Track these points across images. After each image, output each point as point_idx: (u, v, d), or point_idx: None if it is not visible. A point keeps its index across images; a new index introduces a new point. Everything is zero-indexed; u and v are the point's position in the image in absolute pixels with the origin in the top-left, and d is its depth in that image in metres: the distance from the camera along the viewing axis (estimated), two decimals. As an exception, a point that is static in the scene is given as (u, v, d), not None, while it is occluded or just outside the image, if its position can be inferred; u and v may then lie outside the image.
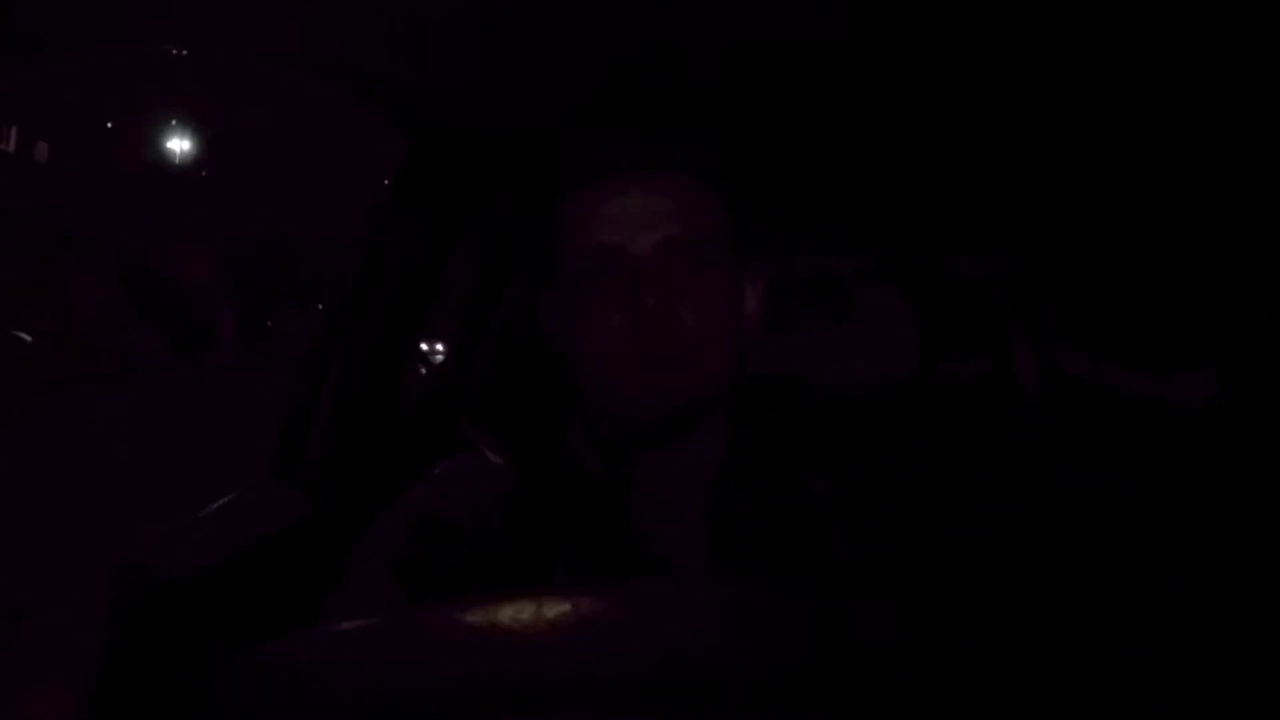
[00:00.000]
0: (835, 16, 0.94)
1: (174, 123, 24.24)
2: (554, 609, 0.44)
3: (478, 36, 0.99)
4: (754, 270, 0.81)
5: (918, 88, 1.14)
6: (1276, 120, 1.23)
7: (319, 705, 0.41)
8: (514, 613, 0.45)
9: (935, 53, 1.04)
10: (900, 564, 0.78)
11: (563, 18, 0.94)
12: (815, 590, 0.53)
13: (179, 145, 24.48)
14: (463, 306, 1.86)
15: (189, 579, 0.99)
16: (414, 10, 0.92)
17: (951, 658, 0.45)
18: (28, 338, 16.29)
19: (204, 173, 23.87)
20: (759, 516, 0.77)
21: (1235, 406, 1.94)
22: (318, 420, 1.29)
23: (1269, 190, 1.52)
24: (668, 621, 0.45)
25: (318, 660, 0.44)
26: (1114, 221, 1.84)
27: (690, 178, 0.75)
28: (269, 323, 23.92)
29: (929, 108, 1.23)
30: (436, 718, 0.41)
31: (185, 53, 1.03)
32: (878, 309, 2.20)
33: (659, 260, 0.72)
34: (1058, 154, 1.45)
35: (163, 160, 24.11)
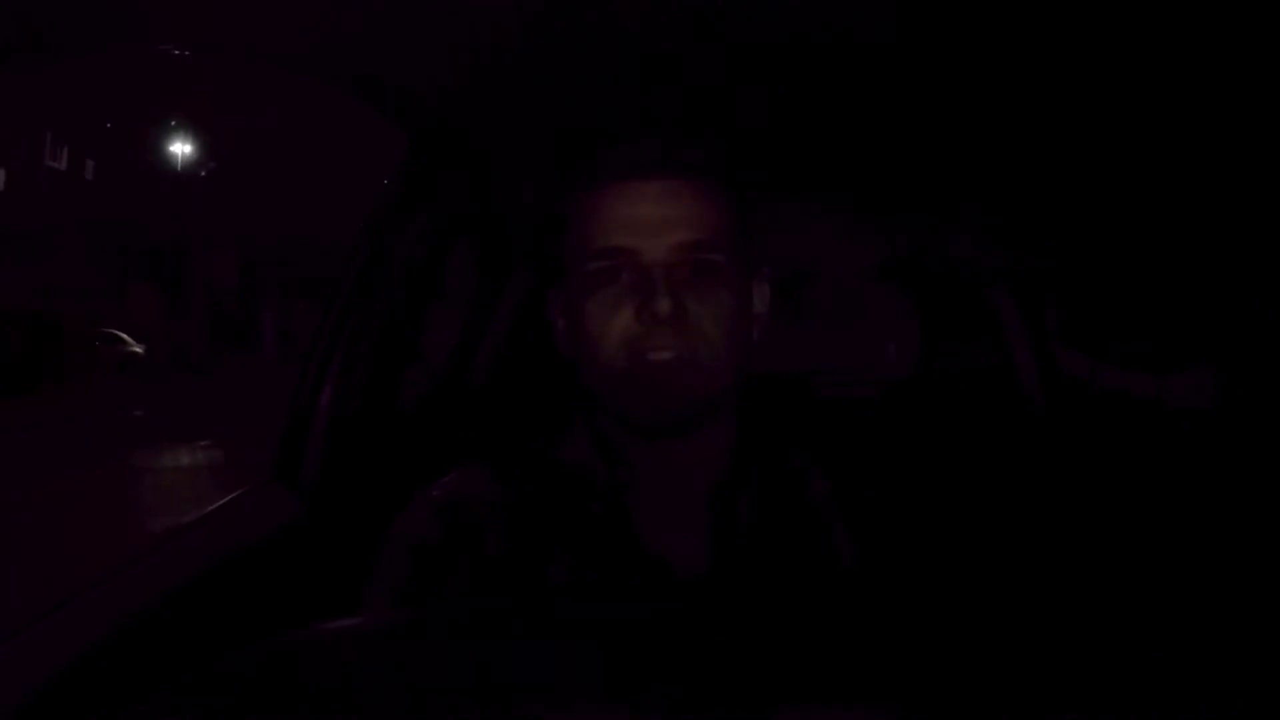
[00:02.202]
0: (836, 14, 0.94)
1: (184, 129, 25.33)
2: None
3: (478, 36, 0.99)
4: (761, 271, 0.82)
5: (919, 85, 1.15)
6: (1275, 120, 1.23)
7: (315, 705, 0.41)
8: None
9: (937, 51, 1.04)
10: (901, 563, 0.78)
11: (564, 18, 0.94)
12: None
13: (192, 150, 25.59)
14: (463, 306, 1.86)
15: (185, 581, 0.99)
16: (415, 10, 0.93)
17: (953, 655, 0.45)
18: (139, 348, 20.16)
19: (203, 173, 24.42)
20: (761, 516, 0.77)
21: (1235, 406, 1.94)
22: (318, 421, 1.28)
23: (1268, 190, 1.52)
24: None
25: (313, 660, 0.44)
26: (1114, 222, 1.84)
27: (701, 181, 0.76)
28: (267, 322, 24.52)
29: (932, 107, 1.23)
30: (433, 716, 0.41)
31: (186, 53, 1.04)
32: (878, 308, 2.20)
33: (672, 264, 0.73)
34: (1057, 155, 1.45)
35: (183, 166, 25.37)
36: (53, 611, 0.85)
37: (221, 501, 1.19)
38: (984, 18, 0.95)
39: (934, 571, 0.79)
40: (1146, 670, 0.46)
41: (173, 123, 25.44)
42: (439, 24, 0.96)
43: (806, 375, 2.06)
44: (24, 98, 23.18)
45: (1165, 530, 1.61)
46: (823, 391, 2.05)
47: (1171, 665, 0.45)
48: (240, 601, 1.05)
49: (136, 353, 20.34)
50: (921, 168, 1.54)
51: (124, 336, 20.63)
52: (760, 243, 0.82)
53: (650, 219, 0.73)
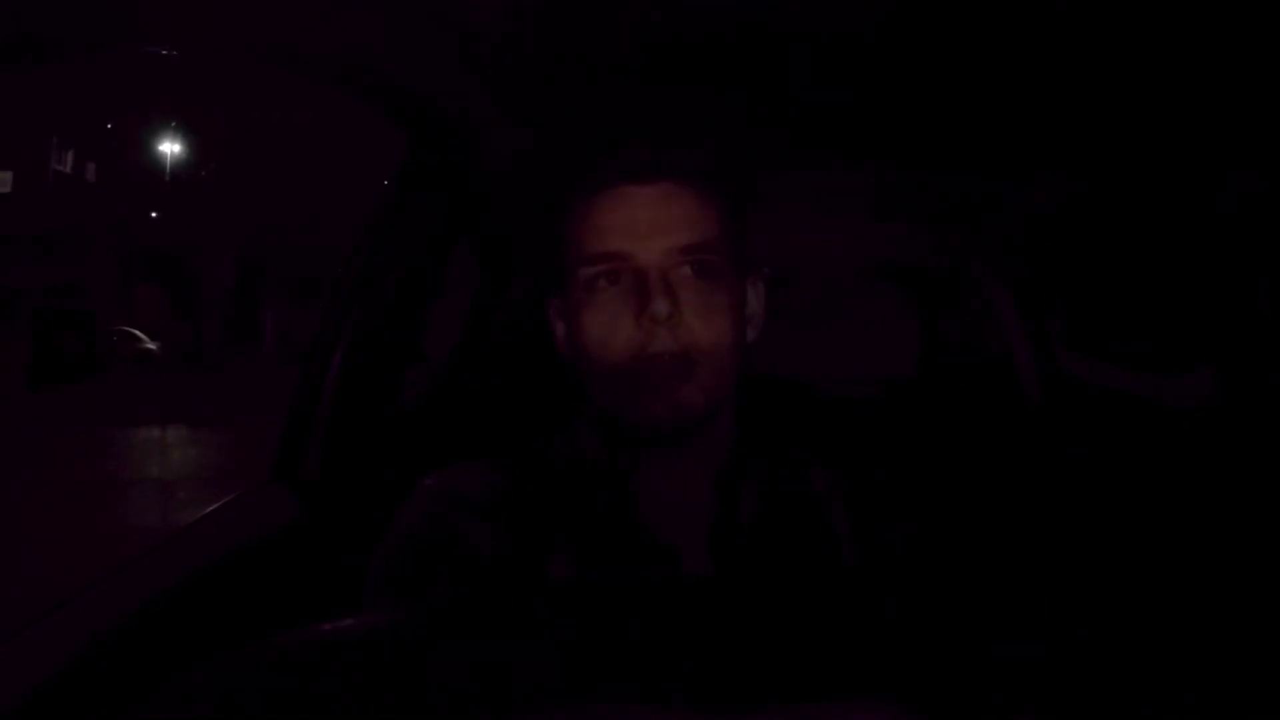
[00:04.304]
0: (830, 13, 0.94)
1: (184, 131, 25.77)
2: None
3: (479, 37, 0.99)
4: (758, 272, 0.83)
5: (919, 83, 1.15)
6: (1275, 120, 1.23)
7: (315, 705, 0.41)
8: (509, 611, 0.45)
9: (937, 49, 1.04)
10: (901, 560, 0.78)
11: (563, 19, 0.94)
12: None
13: (192, 152, 26.07)
14: (463, 306, 1.86)
15: (185, 581, 0.99)
16: (415, 10, 0.93)
17: (953, 650, 0.45)
18: (153, 345, 21.71)
19: (203, 172, 24.66)
20: (764, 507, 0.78)
21: (1234, 406, 1.94)
22: (317, 421, 1.28)
23: (1268, 189, 1.52)
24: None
25: (313, 660, 0.44)
26: (1114, 222, 1.84)
27: (695, 184, 0.76)
28: (268, 321, 24.86)
29: (931, 106, 1.23)
30: (433, 716, 0.41)
31: (186, 54, 1.04)
32: (877, 308, 2.20)
33: (667, 267, 0.73)
34: (1058, 154, 1.45)
35: (184, 168, 25.89)
36: (53, 611, 0.85)
37: (221, 501, 1.19)
38: (981, 13, 0.95)
39: (933, 566, 0.79)
40: (1143, 667, 0.46)
41: (173, 124, 25.74)
42: (439, 24, 0.96)
43: (807, 375, 2.06)
44: (29, 100, 23.52)
45: (1164, 529, 1.61)
46: (823, 391, 2.05)
47: (1168, 662, 0.46)
48: (240, 601, 1.05)
49: (151, 349, 21.86)
50: (921, 167, 1.54)
51: (139, 334, 22.15)
52: (757, 243, 0.83)
53: (645, 222, 0.74)
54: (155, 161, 26.55)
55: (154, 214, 25.94)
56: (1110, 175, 1.56)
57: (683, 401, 0.73)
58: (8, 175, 26.44)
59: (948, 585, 0.76)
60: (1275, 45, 0.98)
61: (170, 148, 26.37)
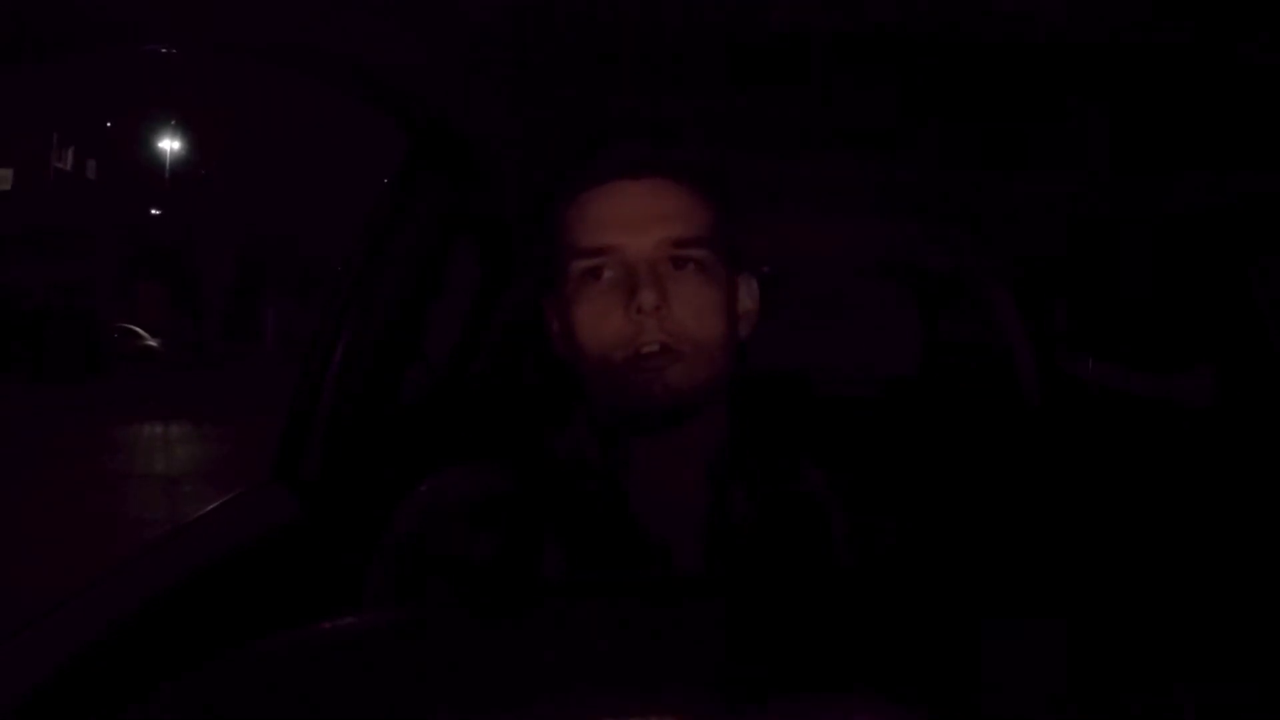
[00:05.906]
0: (829, 11, 0.94)
1: (184, 129, 25.92)
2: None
3: (478, 36, 0.99)
4: (748, 270, 0.83)
5: (918, 82, 1.15)
6: (1274, 119, 1.23)
7: (314, 705, 0.42)
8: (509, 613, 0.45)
9: (936, 47, 1.04)
10: (899, 558, 0.78)
11: (562, 19, 0.94)
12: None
13: (193, 150, 26.26)
14: (463, 306, 1.86)
15: (184, 580, 0.99)
16: (416, 11, 0.93)
17: (951, 648, 0.45)
18: (154, 342, 22.18)
19: (203, 171, 24.77)
20: (756, 501, 0.78)
21: (1234, 405, 1.94)
22: (317, 421, 1.29)
23: (1268, 189, 1.52)
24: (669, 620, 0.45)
25: (312, 660, 0.44)
26: (1114, 222, 1.84)
27: (686, 182, 0.77)
28: (270, 319, 25.05)
29: (931, 105, 1.23)
30: (433, 716, 0.41)
31: (186, 53, 1.04)
32: (878, 307, 2.20)
33: (656, 259, 0.74)
34: (1058, 154, 1.45)
35: (184, 166, 26.08)
36: (52, 611, 0.85)
37: (221, 501, 1.19)
38: (980, 11, 0.95)
39: (931, 564, 0.79)
40: (1141, 665, 0.46)
41: (173, 122, 25.83)
42: (439, 24, 0.96)
43: (805, 374, 2.06)
44: (29, 98, 23.59)
45: (1163, 527, 1.61)
46: (820, 390, 2.05)
47: (1165, 660, 0.46)
48: (240, 601, 1.05)
49: (152, 346, 22.26)
50: (922, 167, 1.54)
51: (139, 331, 22.64)
52: (757, 242, 0.83)
53: (637, 215, 0.75)
54: (155, 159, 26.62)
55: (155, 211, 26.04)
56: (1110, 174, 1.56)
57: (671, 381, 0.73)
58: (8, 172, 26.51)
59: (946, 583, 0.77)
60: (1274, 44, 0.98)
61: (170, 145, 26.44)
